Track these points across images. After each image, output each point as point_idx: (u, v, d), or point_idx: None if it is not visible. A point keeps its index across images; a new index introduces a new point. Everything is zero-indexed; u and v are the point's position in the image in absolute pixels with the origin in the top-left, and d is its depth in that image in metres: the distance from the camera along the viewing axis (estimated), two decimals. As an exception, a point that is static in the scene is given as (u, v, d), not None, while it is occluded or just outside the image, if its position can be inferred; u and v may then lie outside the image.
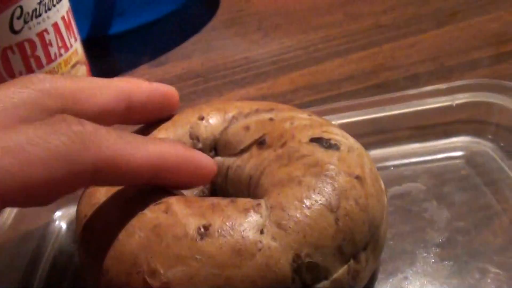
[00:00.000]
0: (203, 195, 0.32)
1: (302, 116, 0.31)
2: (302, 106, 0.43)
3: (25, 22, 0.37)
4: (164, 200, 0.26)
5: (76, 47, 0.42)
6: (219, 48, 0.56)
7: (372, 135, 0.37)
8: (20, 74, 0.37)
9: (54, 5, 0.39)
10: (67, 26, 0.40)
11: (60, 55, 0.39)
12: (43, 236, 0.35)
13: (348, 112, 0.38)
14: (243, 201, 0.25)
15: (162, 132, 0.32)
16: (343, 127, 0.32)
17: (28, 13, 0.37)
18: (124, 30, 0.61)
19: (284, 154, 0.28)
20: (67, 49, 0.40)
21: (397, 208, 0.33)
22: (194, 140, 0.32)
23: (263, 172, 0.28)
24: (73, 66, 0.41)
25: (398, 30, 0.53)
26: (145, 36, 0.62)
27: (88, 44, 0.46)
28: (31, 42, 0.37)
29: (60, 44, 0.39)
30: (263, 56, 0.53)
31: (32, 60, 0.37)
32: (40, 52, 0.38)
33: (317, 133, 0.29)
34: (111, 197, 0.27)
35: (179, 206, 0.25)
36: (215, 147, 0.32)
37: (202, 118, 0.32)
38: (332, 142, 0.28)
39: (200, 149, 0.32)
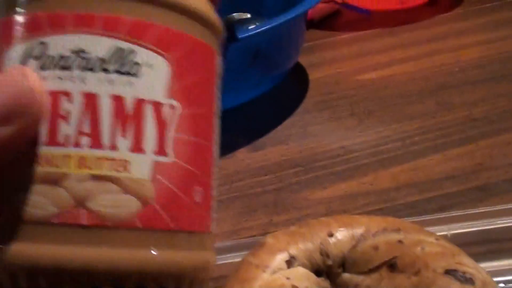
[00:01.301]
0: (329, 308, 0.33)
1: (431, 241, 0.32)
2: (406, 206, 0.45)
3: None
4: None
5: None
6: (314, 134, 0.58)
7: (481, 246, 0.38)
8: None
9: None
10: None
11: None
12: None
13: (458, 224, 0.39)
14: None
15: (293, 246, 0.34)
16: (453, 237, 0.33)
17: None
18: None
19: (420, 284, 0.29)
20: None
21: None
22: (324, 256, 0.34)
23: (401, 301, 0.29)
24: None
25: (492, 125, 0.54)
26: (239, 117, 0.64)
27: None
28: None
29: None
30: (361, 146, 0.54)
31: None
32: None
33: (451, 263, 0.30)
34: None
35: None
36: (343, 264, 0.34)
37: (331, 235, 0.34)
38: (467, 276, 0.29)
39: (329, 266, 0.33)
